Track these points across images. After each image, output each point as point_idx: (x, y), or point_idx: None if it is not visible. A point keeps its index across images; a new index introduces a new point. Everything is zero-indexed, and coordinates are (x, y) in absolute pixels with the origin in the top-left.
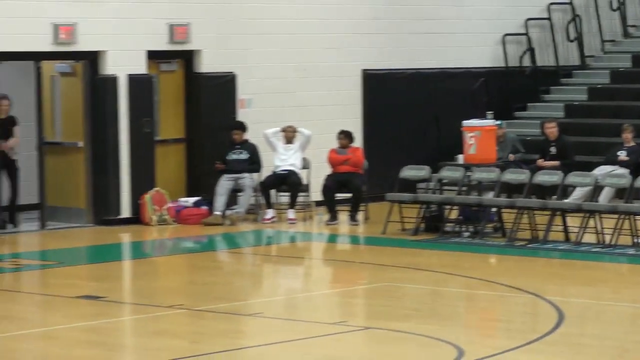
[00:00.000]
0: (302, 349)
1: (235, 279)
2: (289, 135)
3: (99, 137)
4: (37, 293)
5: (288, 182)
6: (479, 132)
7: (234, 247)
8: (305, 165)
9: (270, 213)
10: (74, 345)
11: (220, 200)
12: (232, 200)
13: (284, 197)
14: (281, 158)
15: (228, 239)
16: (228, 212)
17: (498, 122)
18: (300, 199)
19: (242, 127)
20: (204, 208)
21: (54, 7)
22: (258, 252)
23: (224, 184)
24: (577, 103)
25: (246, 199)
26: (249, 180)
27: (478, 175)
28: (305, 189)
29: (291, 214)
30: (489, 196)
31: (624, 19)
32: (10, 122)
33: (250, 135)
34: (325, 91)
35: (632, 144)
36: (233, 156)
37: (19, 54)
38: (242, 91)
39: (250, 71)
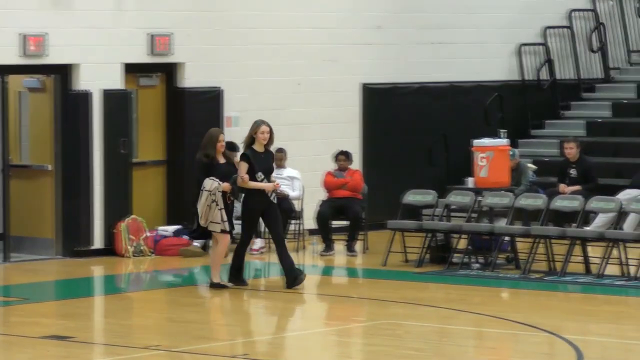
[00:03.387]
0: None
1: (218, 316)
2: (278, 159)
3: (70, 160)
4: None
5: (281, 209)
6: (491, 153)
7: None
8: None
9: (258, 243)
10: None
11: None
12: None
13: None
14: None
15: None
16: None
17: (510, 152)
18: (292, 226)
19: (233, 148)
20: (185, 238)
21: (21, 16)
22: (244, 287)
23: None
24: (600, 120)
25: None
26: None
27: (490, 200)
28: (298, 215)
29: None
30: (502, 224)
31: None
32: None
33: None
34: (321, 108)
35: None
36: None
37: None
38: (229, 108)
39: (238, 86)
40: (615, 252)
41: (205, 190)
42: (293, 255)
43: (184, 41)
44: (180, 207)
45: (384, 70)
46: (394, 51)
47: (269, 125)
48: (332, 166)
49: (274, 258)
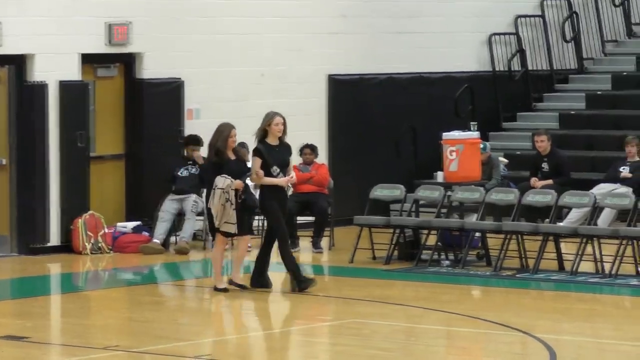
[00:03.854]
0: None
1: (179, 315)
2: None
3: (26, 153)
4: None
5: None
6: (461, 146)
7: (179, 278)
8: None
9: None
10: None
11: (161, 226)
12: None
13: None
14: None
15: (172, 269)
16: (174, 239)
17: (481, 145)
18: (256, 223)
19: (197, 141)
20: (145, 234)
21: None
22: (206, 285)
23: (168, 206)
24: (573, 112)
25: (190, 223)
26: (193, 202)
27: (460, 195)
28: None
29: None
30: (472, 219)
31: (627, 16)
32: None
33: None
34: (286, 99)
35: (636, 158)
36: (184, 173)
37: None
38: (190, 100)
39: (199, 77)
40: (589, 248)
41: (218, 189)
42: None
43: (143, 30)
44: (139, 202)
45: (350, 60)
46: (360, 41)
47: (282, 116)
48: (297, 160)
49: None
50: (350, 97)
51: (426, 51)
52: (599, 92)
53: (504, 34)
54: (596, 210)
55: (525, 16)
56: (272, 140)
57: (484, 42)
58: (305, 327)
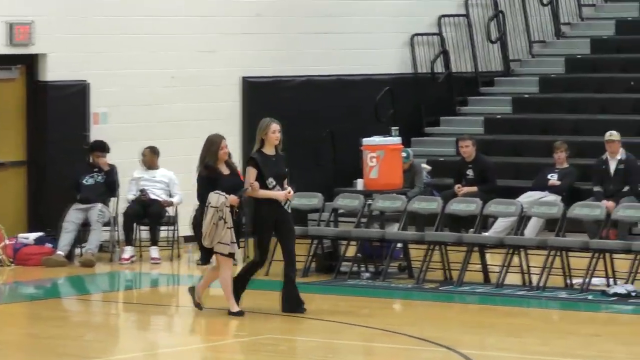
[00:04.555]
0: None
1: (85, 331)
2: (148, 159)
3: None
4: None
5: (149, 213)
6: (381, 152)
7: (84, 292)
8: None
9: (128, 251)
10: None
11: (65, 237)
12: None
13: (146, 232)
14: (140, 186)
15: (77, 283)
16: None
17: (403, 154)
18: (166, 233)
19: (104, 147)
20: (49, 246)
21: None
22: (113, 299)
23: (73, 216)
24: (499, 116)
25: (96, 234)
26: (99, 211)
27: (380, 203)
28: (172, 221)
29: (154, 252)
30: (394, 229)
31: (555, 16)
32: None
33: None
34: (198, 103)
35: (565, 165)
36: (90, 181)
37: None
38: (97, 103)
39: (106, 79)
40: (515, 259)
41: (211, 207)
42: (166, 264)
43: (46, 30)
44: (42, 212)
45: (265, 62)
46: (276, 42)
47: (279, 124)
48: None
49: (145, 267)
50: (266, 100)
51: (345, 52)
52: (526, 95)
53: (427, 34)
54: (523, 219)
55: (449, 16)
56: (268, 150)
57: (406, 43)
58: (218, 343)
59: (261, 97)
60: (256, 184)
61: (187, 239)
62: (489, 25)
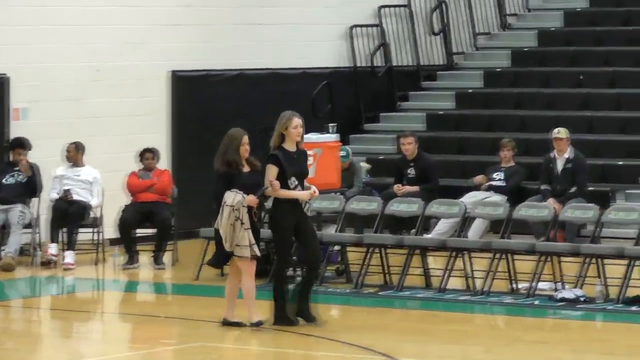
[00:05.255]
0: None
1: (4, 339)
2: (73, 156)
3: None
4: None
5: (69, 214)
6: (318, 150)
7: (3, 298)
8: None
9: (69, 256)
10: None
11: None
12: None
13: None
14: (64, 184)
15: None
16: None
17: (342, 152)
18: (89, 236)
19: (24, 145)
20: None
21: None
22: (34, 305)
23: None
24: (442, 112)
25: (16, 237)
26: (20, 212)
27: (317, 204)
28: (97, 223)
29: (68, 257)
30: (331, 231)
31: (501, 7)
32: None
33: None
34: (123, 98)
35: (511, 164)
36: (10, 180)
37: None
38: (17, 98)
39: (27, 73)
40: (459, 262)
41: (227, 205)
42: (90, 268)
43: None
44: None
45: (195, 55)
46: (207, 33)
47: (301, 118)
48: (136, 166)
49: (79, 272)
50: (196, 95)
51: (280, 44)
52: (470, 90)
53: (366, 25)
54: (466, 220)
55: (389, 6)
56: (289, 146)
57: (344, 34)
58: (145, 351)
59: (191, 91)
60: (277, 183)
61: (113, 242)
62: (432, 17)
